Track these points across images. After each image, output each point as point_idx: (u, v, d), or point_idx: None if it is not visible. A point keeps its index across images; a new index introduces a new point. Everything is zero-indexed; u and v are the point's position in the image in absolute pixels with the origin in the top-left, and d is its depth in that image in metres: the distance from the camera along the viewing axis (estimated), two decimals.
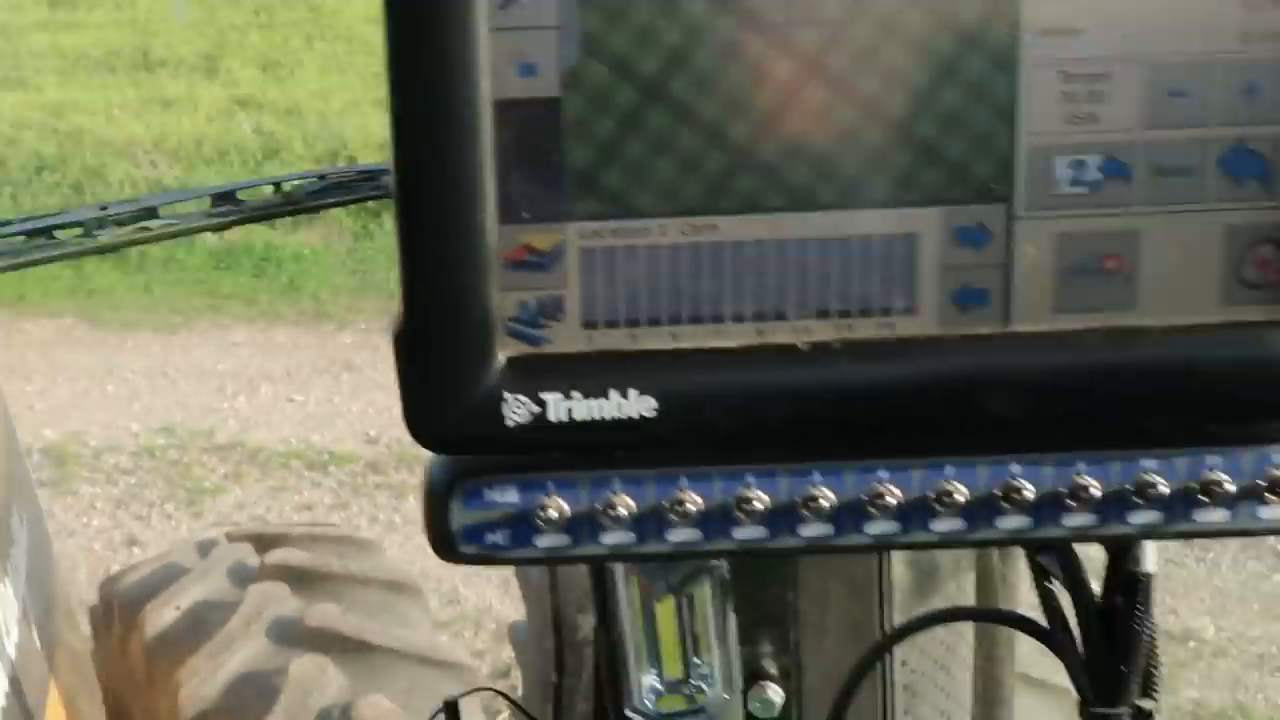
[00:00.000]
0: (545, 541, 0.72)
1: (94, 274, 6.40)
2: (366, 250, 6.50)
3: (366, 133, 6.78)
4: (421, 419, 0.68)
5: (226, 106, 7.38)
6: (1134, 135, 0.67)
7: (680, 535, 0.71)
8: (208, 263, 6.49)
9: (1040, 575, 0.87)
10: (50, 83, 7.94)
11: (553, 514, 0.70)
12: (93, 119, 7.20)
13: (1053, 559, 0.85)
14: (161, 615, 2.53)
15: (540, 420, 0.68)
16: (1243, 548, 4.29)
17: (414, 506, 4.66)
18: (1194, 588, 4.10)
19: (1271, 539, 4.32)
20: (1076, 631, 0.85)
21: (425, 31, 0.64)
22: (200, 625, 2.51)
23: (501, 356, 0.68)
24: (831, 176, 0.67)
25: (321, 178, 1.08)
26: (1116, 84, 0.66)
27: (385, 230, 6.61)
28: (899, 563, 1.13)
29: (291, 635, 2.46)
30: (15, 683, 1.65)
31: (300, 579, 2.59)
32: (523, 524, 0.71)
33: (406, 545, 4.35)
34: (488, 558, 0.72)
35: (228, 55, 7.92)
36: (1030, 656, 1.42)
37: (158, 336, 5.96)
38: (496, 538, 0.72)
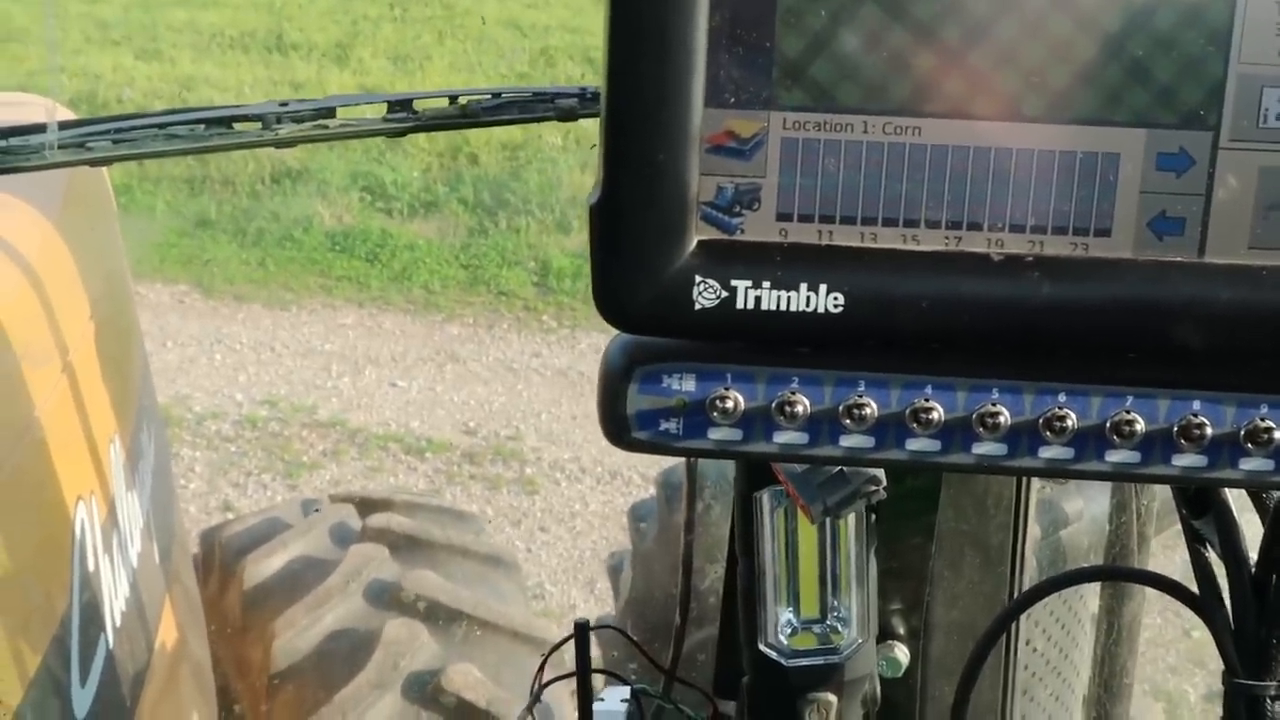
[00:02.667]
0: (718, 434, 0.72)
1: (210, 245, 6.51)
2: (480, 246, 6.55)
3: (489, 132, 6.83)
4: (610, 295, 0.69)
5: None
6: None
7: (853, 441, 0.71)
8: (323, 244, 6.58)
9: (1194, 540, 0.86)
10: (185, 57, 8.09)
11: (729, 405, 0.71)
12: (223, 94, 7.32)
13: (1209, 523, 0.85)
14: (261, 567, 2.57)
15: (727, 307, 0.68)
16: None
17: (506, 500, 4.69)
18: None
19: None
20: (1228, 601, 0.84)
21: None
22: (299, 580, 2.54)
23: (695, 239, 0.68)
24: (1039, 88, 0.67)
25: (497, 95, 1.09)
26: None
27: (499, 228, 6.66)
28: (1028, 546, 1.13)
29: (388, 598, 2.48)
30: (135, 588, 1.68)
31: (401, 544, 2.61)
32: (698, 414, 0.72)
33: (496, 537, 4.37)
34: (659, 445, 0.73)
35: (359, 45, 8.03)
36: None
37: (268, 311, 6.05)
38: (670, 425, 0.72)
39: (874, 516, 0.91)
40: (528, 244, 6.51)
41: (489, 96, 1.08)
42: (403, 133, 1.04)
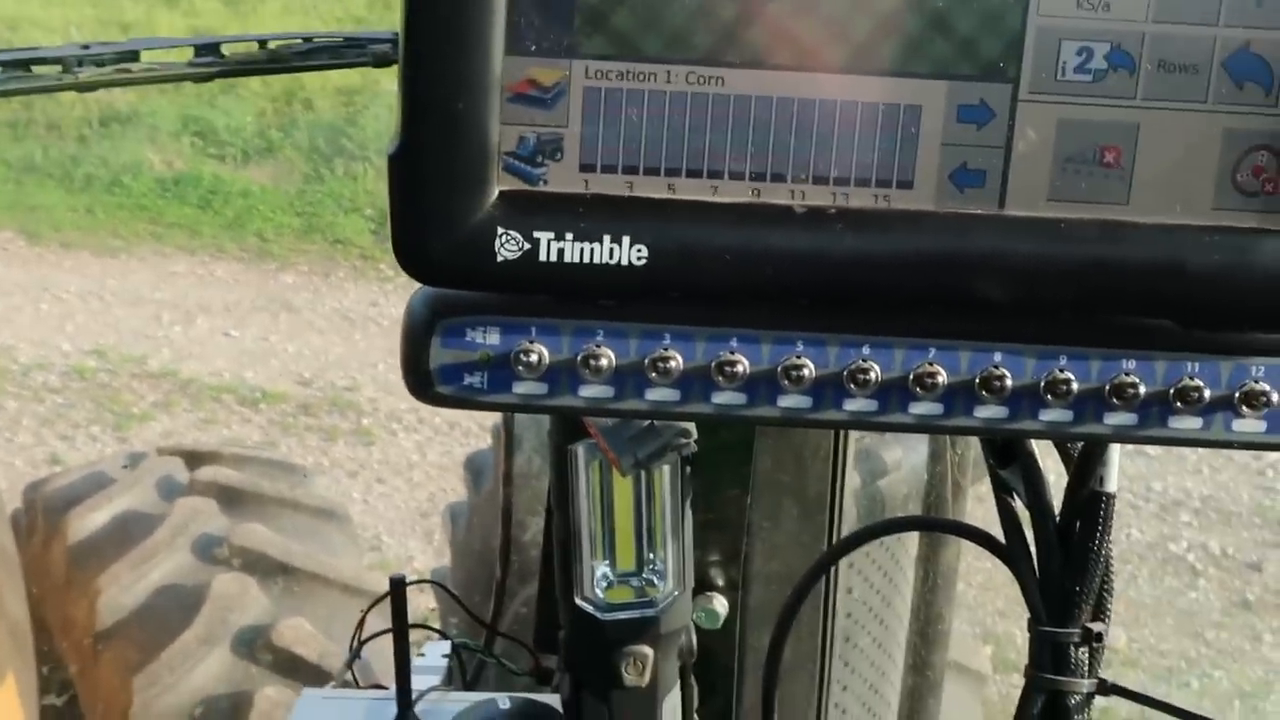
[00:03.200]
0: (523, 388, 0.71)
1: (36, 191, 6.32)
2: (316, 193, 6.45)
3: (324, 76, 6.72)
4: (411, 246, 0.67)
5: (185, 35, 7.31)
6: (1142, 27, 0.67)
7: (658, 394, 0.71)
8: (154, 190, 6.43)
9: (1001, 490, 0.87)
10: None
11: (533, 359, 0.70)
12: (49, 36, 7.09)
13: (1015, 472, 0.86)
14: (85, 522, 2.51)
15: (530, 258, 0.67)
16: (1163, 563, 4.34)
17: (343, 451, 4.64)
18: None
19: (1191, 555, 4.38)
20: (1033, 550, 0.85)
21: None
22: (124, 535, 2.49)
23: (497, 190, 0.67)
24: (840, 39, 0.67)
25: (307, 39, 1.06)
26: None
27: (336, 175, 6.57)
28: (848, 495, 1.14)
29: (216, 552, 2.44)
30: None
31: (229, 497, 2.57)
32: (502, 368, 0.71)
33: (332, 489, 4.33)
34: (463, 400, 0.71)
35: None
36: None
37: (97, 259, 5.90)
38: (474, 380, 0.71)
39: (689, 469, 0.91)
40: (365, 191, 6.43)
41: (299, 41, 1.06)
42: (209, 77, 1.01)
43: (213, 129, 6.79)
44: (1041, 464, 0.84)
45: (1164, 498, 4.59)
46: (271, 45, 1.04)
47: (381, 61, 1.04)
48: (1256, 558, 4.36)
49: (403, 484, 4.53)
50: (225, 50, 1.03)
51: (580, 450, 0.89)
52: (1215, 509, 4.57)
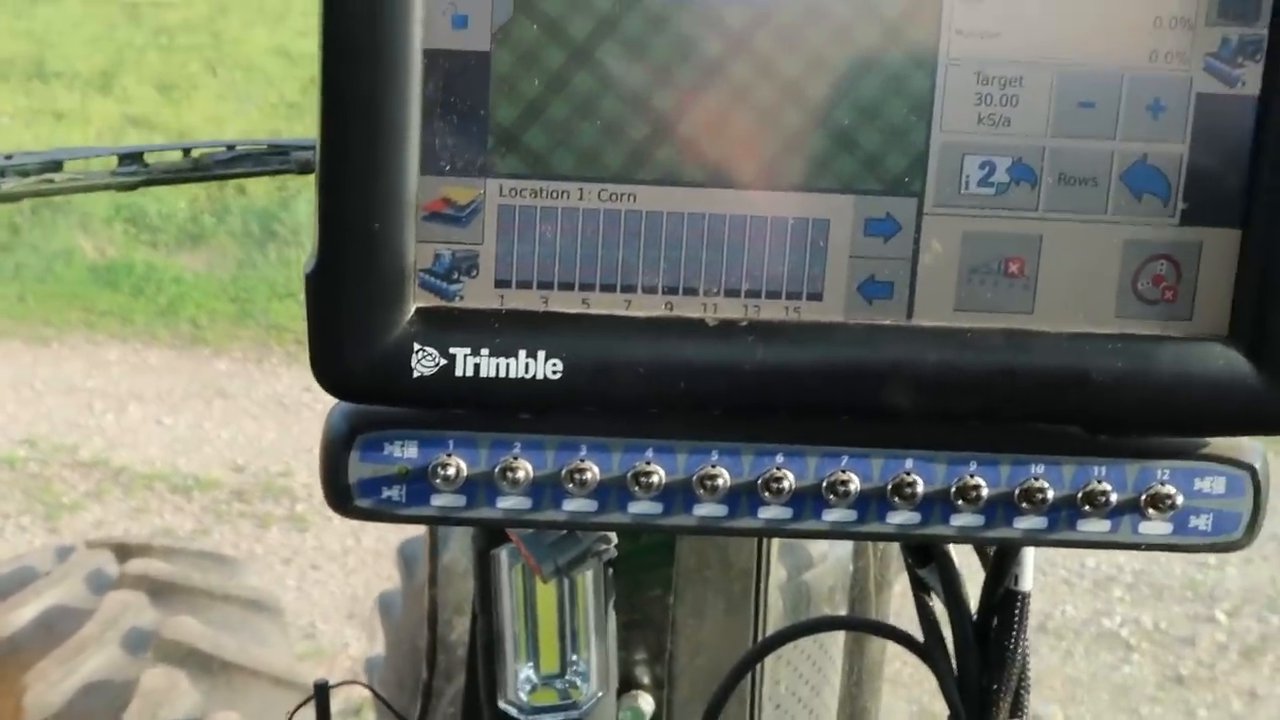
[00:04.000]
0: (441, 501, 0.71)
1: None
2: (249, 279, 6.43)
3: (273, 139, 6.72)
4: (327, 363, 0.68)
5: (118, 123, 7.28)
6: (1042, 141, 0.69)
7: (576, 505, 0.72)
8: (86, 278, 6.39)
9: (919, 589, 0.88)
10: None
11: (451, 472, 0.70)
12: None
13: (933, 572, 0.87)
14: (11, 618, 2.47)
15: (446, 374, 0.68)
16: (1097, 639, 4.36)
17: (276, 537, 4.60)
18: (1046, 675, 4.15)
19: (1124, 630, 4.41)
20: (951, 647, 0.86)
21: None
22: (52, 630, 2.45)
23: (413, 307, 0.68)
24: (750, 155, 0.68)
25: (230, 147, 1.07)
26: (1028, 90, 0.68)
27: (269, 260, 6.55)
28: (774, 588, 1.14)
29: (146, 646, 2.41)
30: None
31: (159, 590, 2.54)
32: (420, 481, 0.71)
33: (266, 577, 4.28)
34: (382, 514, 0.72)
35: (124, 73, 7.83)
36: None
37: (28, 348, 5.84)
38: (393, 493, 0.71)
39: (611, 570, 0.91)
40: (299, 275, 6.41)
41: (223, 149, 1.06)
42: (133, 186, 1.01)
43: (145, 216, 6.76)
44: (957, 563, 0.86)
45: (1097, 573, 4.62)
46: (195, 153, 1.05)
47: (305, 168, 1.05)
48: (1189, 632, 4.39)
49: (337, 570, 4.49)
50: (149, 158, 1.04)
51: (503, 554, 0.89)
52: (1148, 584, 4.60)
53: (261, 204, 6.85)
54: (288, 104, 7.52)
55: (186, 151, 1.05)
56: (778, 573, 1.17)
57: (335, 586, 4.44)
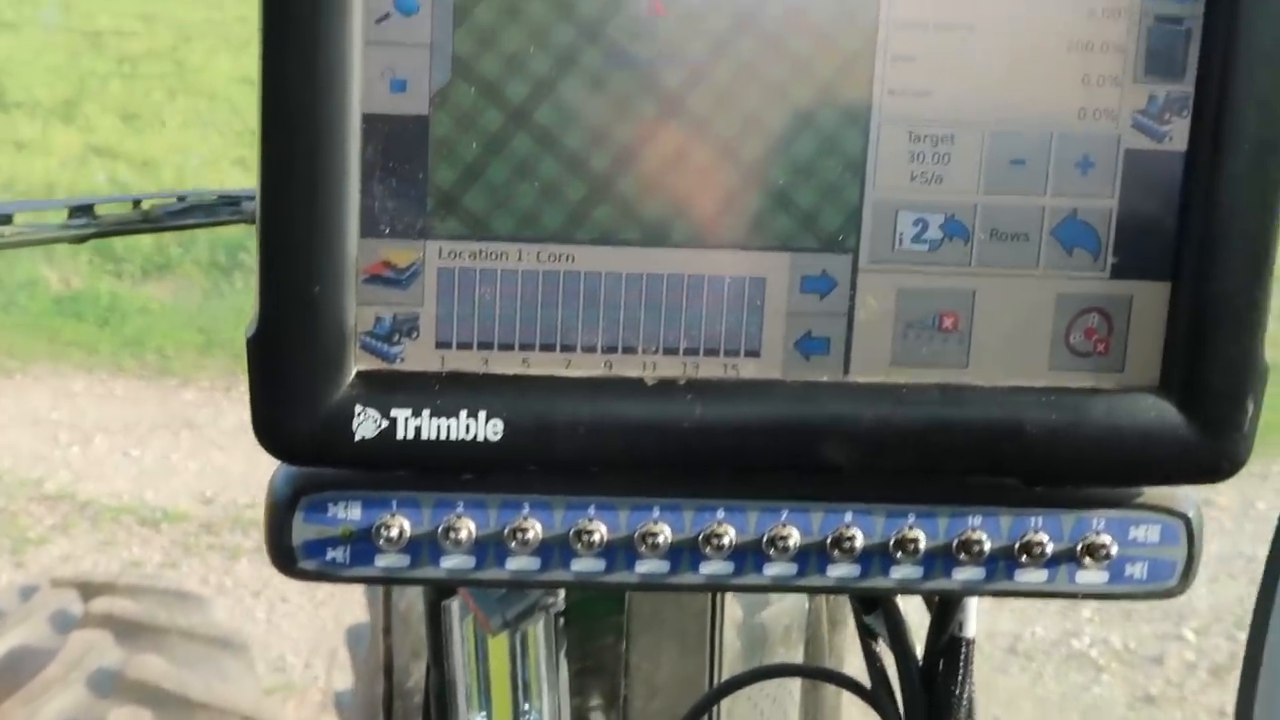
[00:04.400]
0: (385, 561, 0.72)
1: None
2: (216, 308, 6.42)
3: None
4: (270, 426, 0.68)
5: (81, 153, 7.26)
6: (974, 198, 0.70)
7: (519, 563, 0.72)
8: (51, 309, 6.36)
9: (866, 635, 0.89)
10: None
11: (394, 533, 0.71)
12: None
13: (879, 619, 0.88)
14: None
15: (388, 436, 0.68)
16: (1066, 659, 4.38)
17: (246, 570, 4.59)
18: (1017, 697, 4.17)
19: (1094, 651, 4.43)
20: (898, 694, 0.87)
21: (299, 39, 0.65)
22: (16, 671, 2.44)
23: (354, 369, 0.68)
24: (686, 215, 0.69)
25: (181, 199, 1.08)
26: (960, 148, 0.69)
27: (236, 289, 6.54)
28: (730, 628, 1.15)
29: (112, 686, 2.40)
30: None
31: (125, 629, 2.54)
32: (364, 542, 0.72)
33: (235, 609, 4.27)
34: (326, 574, 0.72)
35: (87, 102, 7.81)
36: None
37: None
38: (337, 554, 0.72)
39: (562, 620, 0.92)
40: None
41: (173, 200, 1.07)
42: (84, 239, 1.01)
43: (110, 246, 6.74)
44: (903, 610, 0.86)
45: None
46: (145, 205, 1.05)
47: (253, 219, 1.05)
48: (1158, 651, 4.41)
49: (306, 602, 4.48)
50: (99, 210, 1.04)
51: (454, 606, 0.90)
52: (1116, 604, 4.62)
53: (228, 233, 6.83)
54: (251, 131, 7.47)
55: (136, 203, 1.05)
56: (734, 612, 1.18)
57: (305, 619, 4.42)
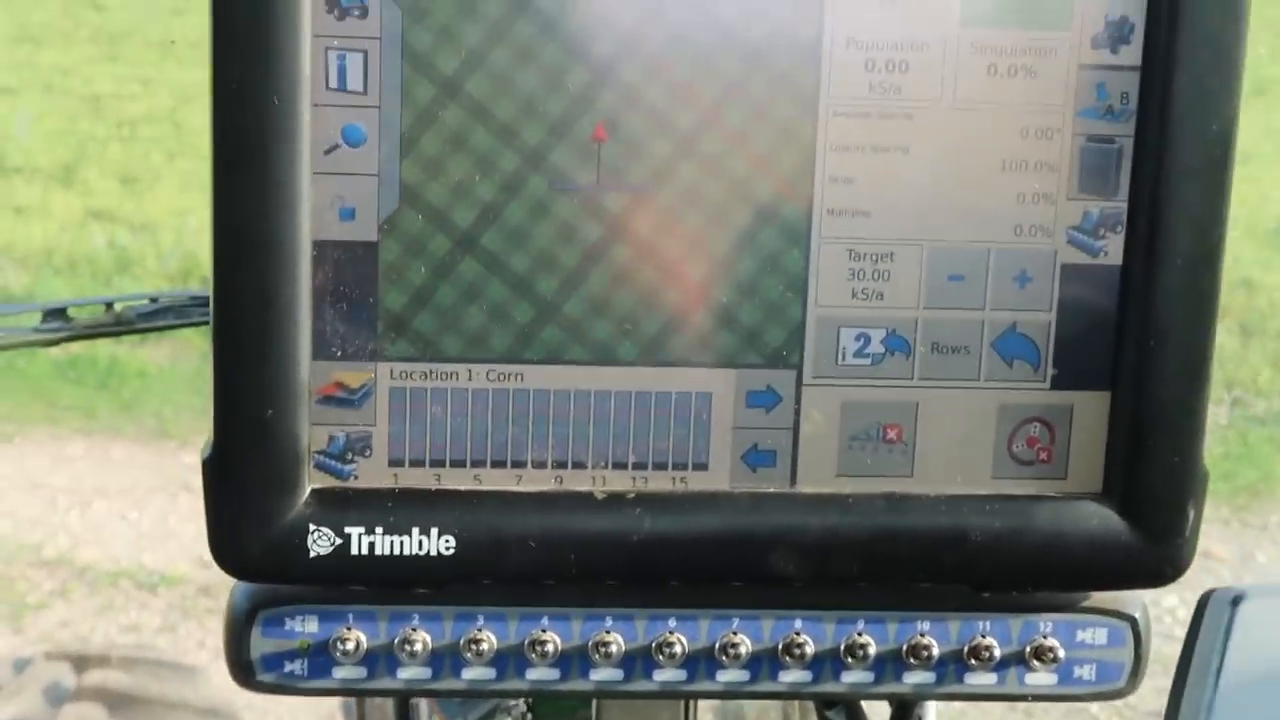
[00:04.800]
0: (342, 673, 0.73)
1: None
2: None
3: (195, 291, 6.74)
4: (226, 546, 0.70)
5: (80, 217, 7.30)
6: (914, 313, 0.72)
7: (475, 673, 0.73)
8: (49, 373, 6.38)
9: None
10: None
11: (350, 646, 0.72)
12: None
13: (841, 714, 0.89)
14: None
15: (342, 553, 0.70)
16: (1066, 715, 4.37)
17: None
18: None
19: (1094, 707, 4.42)
20: None
21: (250, 168, 0.67)
22: None
23: (309, 488, 0.70)
24: (632, 334, 0.71)
25: (154, 300, 1.10)
26: (899, 264, 0.71)
27: None
28: (705, 712, 1.16)
29: None
30: None
31: (117, 702, 2.54)
32: (321, 655, 0.73)
33: (214, 688, 4.26)
34: (285, 687, 0.74)
35: (86, 165, 7.85)
36: None
37: None
38: (295, 667, 0.73)
39: (529, 716, 0.93)
40: None
41: (146, 301, 1.09)
42: (56, 342, 1.03)
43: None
44: (863, 706, 0.88)
45: None
46: (117, 307, 1.07)
47: None
48: (1157, 706, 4.39)
49: None
50: (72, 313, 1.06)
51: (422, 705, 0.91)
52: None
53: None
54: None
55: (109, 305, 1.07)
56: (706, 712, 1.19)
57: None
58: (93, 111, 8.59)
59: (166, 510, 5.45)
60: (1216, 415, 5.05)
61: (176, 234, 7.19)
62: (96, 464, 5.78)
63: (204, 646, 4.52)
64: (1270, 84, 7.28)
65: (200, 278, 6.90)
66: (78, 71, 9.27)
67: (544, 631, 0.73)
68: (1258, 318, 5.65)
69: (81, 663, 2.70)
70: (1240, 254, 5.83)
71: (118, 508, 5.44)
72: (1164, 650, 0.78)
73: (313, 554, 0.70)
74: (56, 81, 9.06)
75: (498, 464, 0.72)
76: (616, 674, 0.74)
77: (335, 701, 3.67)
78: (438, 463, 0.71)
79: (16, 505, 5.38)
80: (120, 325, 1.06)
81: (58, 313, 1.05)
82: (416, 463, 0.71)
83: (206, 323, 1.14)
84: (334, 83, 0.68)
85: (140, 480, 5.66)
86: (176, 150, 8.05)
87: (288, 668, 0.73)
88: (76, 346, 6.63)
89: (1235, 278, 5.65)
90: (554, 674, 0.74)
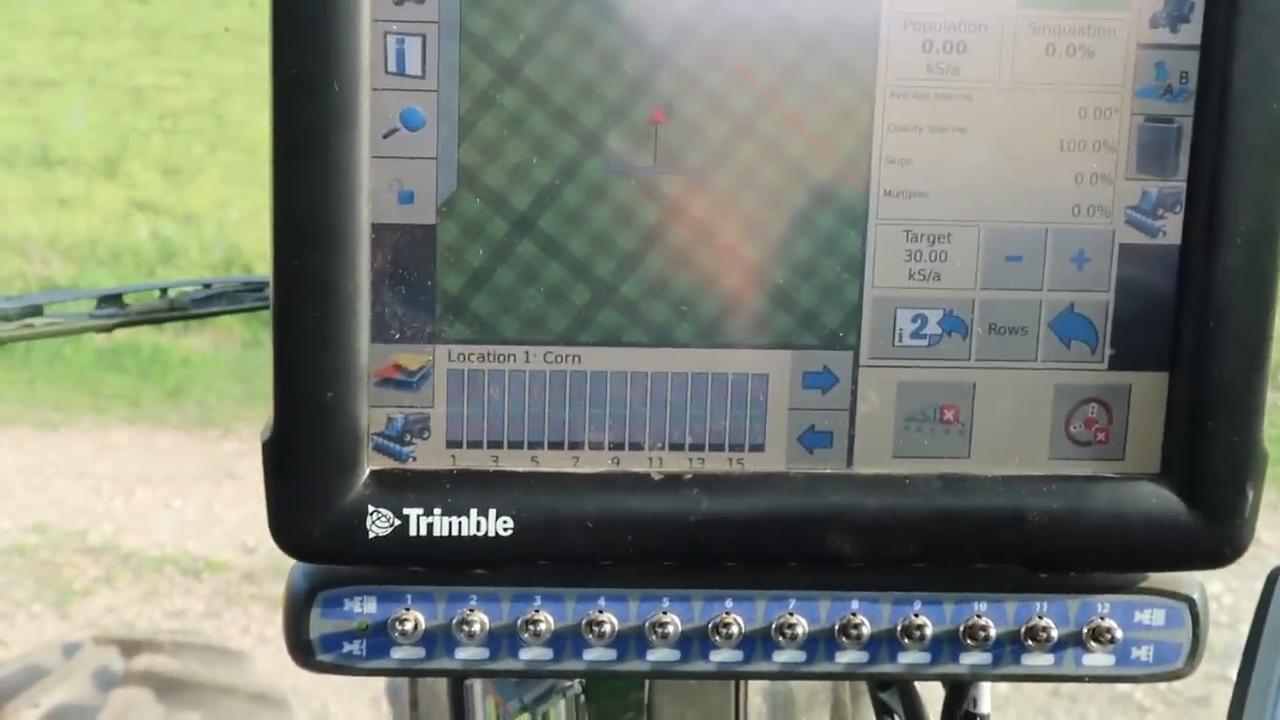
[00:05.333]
0: (400, 654, 0.74)
1: None
2: (256, 358, 6.46)
3: (264, 243, 6.77)
4: (286, 527, 0.70)
5: (124, 209, 7.34)
6: (972, 294, 0.72)
7: (532, 654, 0.74)
8: (94, 362, 6.43)
9: (881, 711, 0.90)
10: None
11: (409, 626, 0.73)
12: None
13: (895, 696, 0.89)
14: (20, 717, 2.49)
15: (401, 534, 0.70)
16: (1111, 702, 4.35)
17: None
18: None
19: (1138, 693, 4.40)
20: None
21: (310, 153, 0.67)
22: None
23: (367, 470, 0.70)
24: (689, 315, 0.71)
25: (207, 285, 1.10)
26: (956, 245, 0.71)
27: None
28: (755, 694, 1.16)
29: None
30: None
31: (165, 686, 2.56)
32: (380, 635, 0.73)
33: (279, 657, 4.28)
34: (344, 667, 0.74)
35: (128, 158, 7.90)
36: None
37: (37, 433, 5.87)
38: (353, 647, 0.74)
39: (583, 697, 0.93)
40: None
41: (200, 287, 1.10)
42: (111, 328, 1.04)
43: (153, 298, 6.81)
44: (917, 687, 0.88)
45: None
46: (171, 293, 1.08)
47: None
48: (1203, 692, 4.37)
49: None
50: (127, 299, 1.07)
51: (475, 686, 0.91)
52: None
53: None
54: None
55: (163, 291, 1.08)
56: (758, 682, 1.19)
57: None
58: (135, 103, 8.64)
59: (211, 497, 5.48)
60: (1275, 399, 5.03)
61: (219, 225, 7.24)
62: (140, 452, 5.81)
63: (248, 632, 4.55)
64: None
65: (243, 266, 6.94)
66: (120, 65, 9.32)
67: (600, 612, 0.73)
68: None
69: (130, 648, 2.72)
70: None
71: (162, 495, 5.48)
72: (1209, 636, 0.78)
73: (372, 535, 0.70)
74: (100, 75, 9.11)
75: (555, 445, 0.72)
76: (673, 654, 0.74)
77: (381, 686, 3.70)
78: (495, 444, 0.72)
79: (62, 493, 5.43)
80: (174, 310, 1.06)
81: (113, 299, 1.06)
82: (474, 444, 0.72)
83: (259, 308, 1.15)
84: (393, 67, 0.68)
85: (184, 468, 5.70)
86: (218, 142, 8.08)
87: (346, 648, 0.74)
88: (121, 335, 6.68)
89: None
90: (611, 654, 0.74)
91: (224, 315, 1.09)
